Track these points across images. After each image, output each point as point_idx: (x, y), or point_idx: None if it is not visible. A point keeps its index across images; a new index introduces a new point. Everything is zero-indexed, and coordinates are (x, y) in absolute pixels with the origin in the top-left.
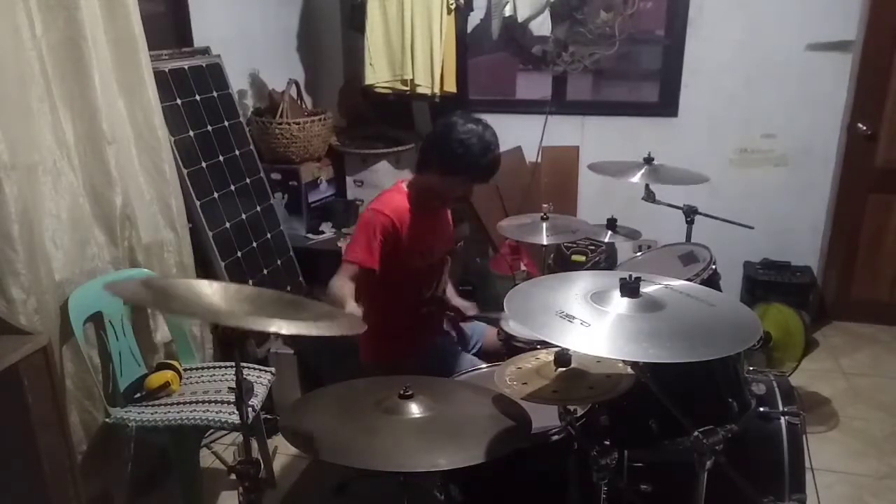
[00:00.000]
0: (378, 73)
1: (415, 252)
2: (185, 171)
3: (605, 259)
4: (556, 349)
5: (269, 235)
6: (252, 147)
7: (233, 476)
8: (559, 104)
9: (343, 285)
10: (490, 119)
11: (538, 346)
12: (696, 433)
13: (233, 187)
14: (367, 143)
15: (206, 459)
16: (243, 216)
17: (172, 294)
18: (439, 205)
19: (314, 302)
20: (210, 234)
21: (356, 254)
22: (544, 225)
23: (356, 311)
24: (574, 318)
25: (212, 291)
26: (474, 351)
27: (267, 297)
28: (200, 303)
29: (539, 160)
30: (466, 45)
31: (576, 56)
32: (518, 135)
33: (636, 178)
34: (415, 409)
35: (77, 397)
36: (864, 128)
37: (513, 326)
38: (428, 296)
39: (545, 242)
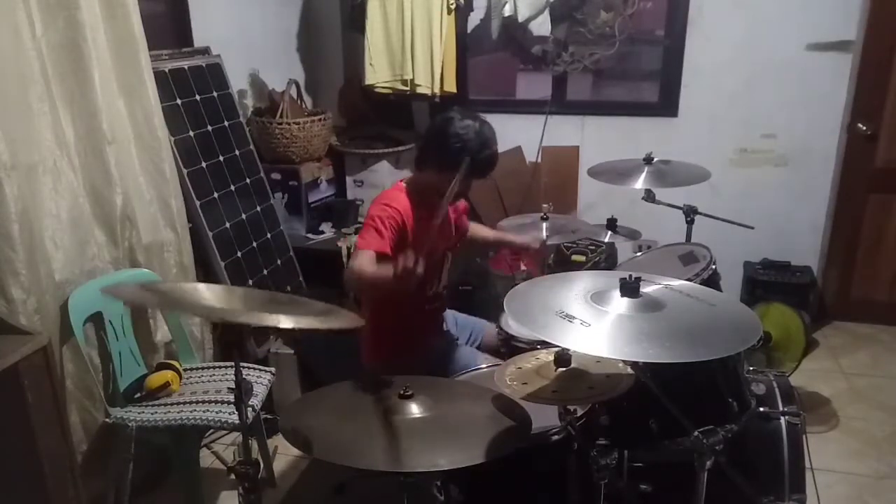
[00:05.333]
0: (378, 73)
1: (419, 248)
2: (185, 171)
3: (605, 259)
4: (556, 349)
5: (269, 235)
6: (252, 147)
7: (232, 476)
8: (559, 104)
9: (365, 265)
10: (490, 119)
11: (538, 346)
12: (696, 433)
13: (233, 187)
14: (367, 143)
15: (206, 459)
16: (243, 216)
17: (171, 296)
18: (439, 202)
19: (310, 300)
20: (210, 234)
21: (369, 242)
22: (544, 225)
23: (388, 269)
24: (574, 318)
25: (209, 295)
26: (472, 346)
27: (261, 298)
28: (200, 303)
29: (539, 160)
30: (466, 45)
31: (576, 56)
32: (518, 135)
33: (638, 183)
34: (415, 409)
35: (77, 397)
36: (864, 128)
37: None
38: (430, 294)
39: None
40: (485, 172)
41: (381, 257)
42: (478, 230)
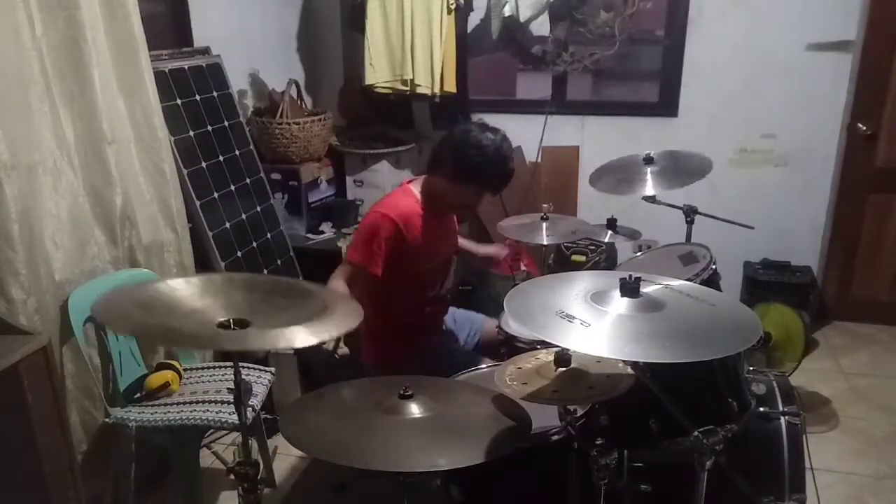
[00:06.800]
0: (378, 73)
1: (420, 255)
2: (185, 171)
3: (605, 259)
4: (556, 349)
5: (269, 235)
6: (252, 147)
7: (232, 476)
8: (559, 104)
9: (337, 285)
10: (490, 119)
11: (538, 346)
12: (696, 433)
13: (233, 187)
14: (367, 143)
15: (206, 459)
16: (243, 216)
17: (166, 312)
18: (447, 210)
19: (312, 287)
20: (210, 234)
21: (356, 256)
22: (544, 225)
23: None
24: (574, 318)
25: (203, 289)
26: (472, 344)
27: (263, 287)
28: (197, 318)
29: (539, 160)
30: (466, 45)
31: (576, 56)
32: (518, 135)
33: (645, 190)
34: (415, 409)
35: (77, 397)
36: (864, 128)
37: (513, 326)
38: (431, 296)
39: (545, 242)
40: (499, 188)
41: (363, 273)
42: None
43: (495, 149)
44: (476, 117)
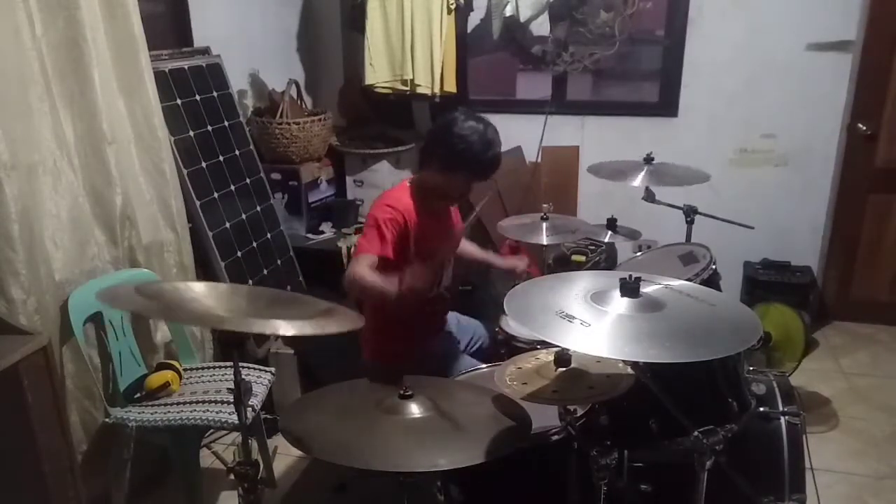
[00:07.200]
0: (378, 73)
1: (421, 250)
2: (185, 171)
3: (605, 259)
4: (556, 349)
5: (269, 235)
6: (252, 147)
7: (232, 476)
8: (559, 104)
9: (365, 271)
10: (490, 119)
11: (538, 346)
12: (696, 433)
13: (233, 187)
14: (367, 143)
15: (206, 459)
16: (243, 216)
17: (169, 301)
18: (442, 204)
19: (312, 299)
20: (210, 234)
21: (371, 246)
22: (544, 225)
23: (392, 284)
24: (574, 318)
25: (207, 293)
26: (473, 350)
27: (264, 296)
28: (199, 307)
29: (539, 160)
30: (466, 45)
31: (576, 56)
32: (518, 135)
33: (636, 181)
34: (415, 409)
35: (77, 397)
36: (864, 128)
37: (513, 326)
38: (431, 295)
39: (545, 242)
40: (487, 175)
41: (382, 261)
42: (465, 246)
43: (479, 135)
44: None
